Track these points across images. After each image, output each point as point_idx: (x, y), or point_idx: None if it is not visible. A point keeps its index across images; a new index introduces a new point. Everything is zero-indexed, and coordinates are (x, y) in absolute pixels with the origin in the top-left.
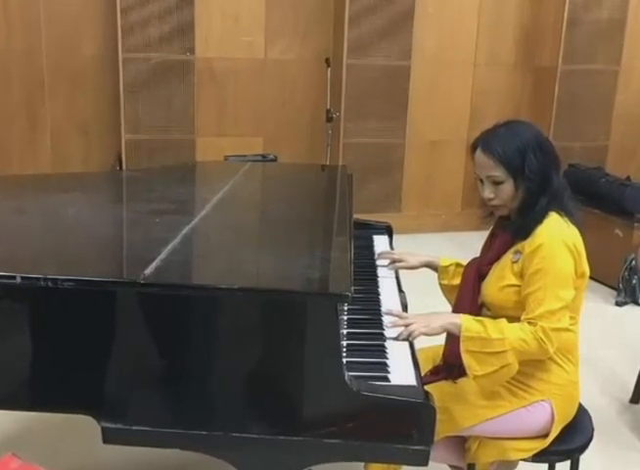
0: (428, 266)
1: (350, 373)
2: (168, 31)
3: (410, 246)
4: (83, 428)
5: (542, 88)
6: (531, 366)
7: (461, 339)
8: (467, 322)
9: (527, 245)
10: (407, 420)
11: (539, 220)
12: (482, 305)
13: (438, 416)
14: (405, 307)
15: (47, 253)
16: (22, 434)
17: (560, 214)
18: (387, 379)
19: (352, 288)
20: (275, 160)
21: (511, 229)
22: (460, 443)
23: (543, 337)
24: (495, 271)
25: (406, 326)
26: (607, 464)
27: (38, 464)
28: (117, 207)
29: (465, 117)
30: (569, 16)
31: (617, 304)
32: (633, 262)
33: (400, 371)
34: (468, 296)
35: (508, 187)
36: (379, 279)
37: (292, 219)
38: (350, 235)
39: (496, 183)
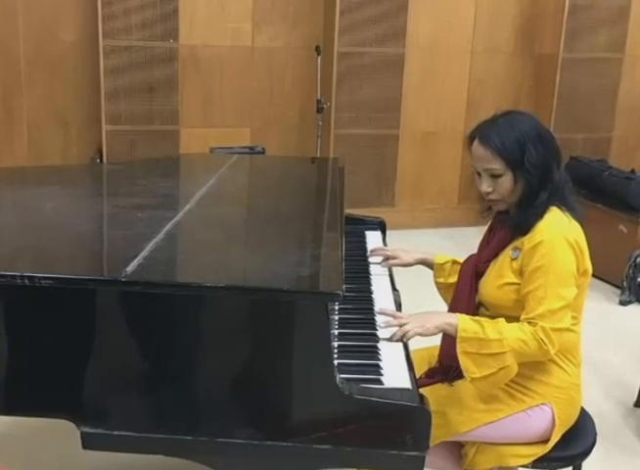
0: (423, 264)
1: (342, 375)
2: (151, 17)
3: (404, 242)
4: (64, 433)
5: (543, 77)
6: (531, 368)
7: (457, 340)
8: (464, 322)
9: (527, 241)
10: (401, 425)
11: (539, 215)
12: (480, 304)
13: (434, 421)
14: (399, 307)
15: (24, 249)
16: None
17: (561, 209)
18: (380, 382)
19: (344, 286)
20: (263, 152)
21: (510, 225)
22: (457, 448)
23: (544, 337)
24: (493, 269)
25: (400, 326)
26: None
27: None
28: (98, 201)
29: (461, 107)
30: (570, 1)
31: (621, 303)
32: (638, 260)
33: (394, 373)
34: (465, 294)
35: (507, 180)
36: (371, 277)
37: (280, 215)
38: (341, 231)
39: (494, 176)
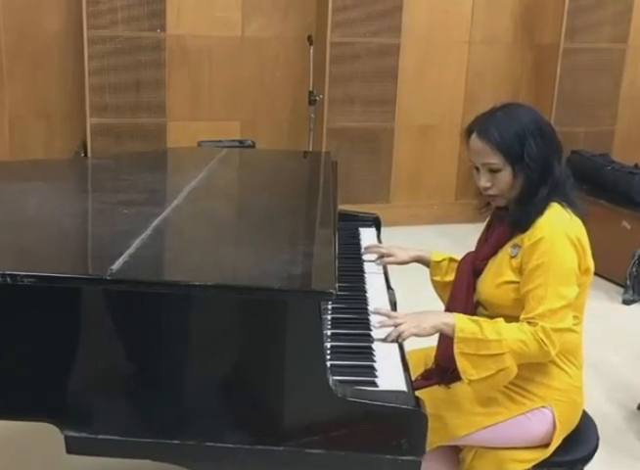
0: (419, 261)
1: (335, 377)
2: (137, 6)
3: (400, 239)
4: (47, 437)
5: (543, 68)
6: (531, 370)
7: (455, 340)
8: (461, 322)
9: (527, 238)
10: (397, 428)
11: (540, 211)
12: (478, 303)
13: (431, 424)
14: (394, 306)
15: (5, 246)
16: None
17: (562, 205)
18: (374, 384)
19: (337, 285)
20: (253, 146)
21: (509, 221)
22: (454, 453)
23: (544, 338)
24: (492, 267)
25: (395, 326)
26: None
27: None
28: (82, 197)
29: (459, 99)
30: None
31: (625, 302)
32: None
33: (389, 375)
34: (462, 293)
35: (506, 175)
36: (366, 275)
37: (271, 211)
38: (335, 228)
39: (493, 171)
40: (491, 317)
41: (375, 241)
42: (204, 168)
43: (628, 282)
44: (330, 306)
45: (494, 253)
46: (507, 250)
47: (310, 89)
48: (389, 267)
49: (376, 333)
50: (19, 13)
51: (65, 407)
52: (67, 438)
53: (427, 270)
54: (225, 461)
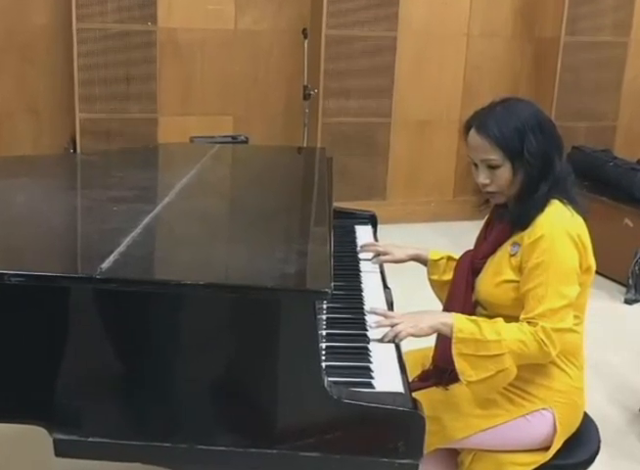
0: (416, 260)
1: (330, 378)
2: None
3: (396, 237)
4: (36, 439)
5: (543, 62)
6: (531, 371)
7: (453, 340)
8: (459, 322)
9: (527, 236)
10: (393, 431)
11: (540, 209)
12: (477, 302)
13: (428, 427)
14: (391, 305)
15: None
16: None
17: (563, 202)
18: (370, 385)
19: (332, 284)
20: (246, 141)
21: (509, 219)
22: (452, 456)
23: (544, 338)
24: (491, 266)
25: (392, 326)
26: None
27: None
28: (71, 194)
29: (457, 94)
30: None
31: (627, 301)
32: None
33: (386, 376)
34: (460, 293)
35: (505, 172)
36: (362, 274)
37: (265, 208)
38: (330, 225)
39: (492, 167)
40: (490, 317)
41: (371, 239)
42: (196, 165)
43: (630, 281)
44: (325, 306)
45: (493, 251)
46: (506, 248)
47: (305, 83)
48: (386, 266)
49: (372, 333)
50: (6, 5)
51: (54, 409)
52: (55, 440)
53: (424, 269)
54: (217, 465)
